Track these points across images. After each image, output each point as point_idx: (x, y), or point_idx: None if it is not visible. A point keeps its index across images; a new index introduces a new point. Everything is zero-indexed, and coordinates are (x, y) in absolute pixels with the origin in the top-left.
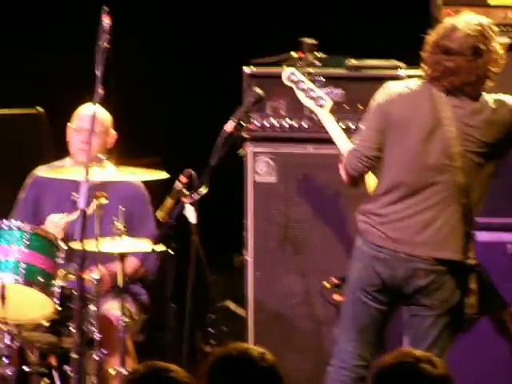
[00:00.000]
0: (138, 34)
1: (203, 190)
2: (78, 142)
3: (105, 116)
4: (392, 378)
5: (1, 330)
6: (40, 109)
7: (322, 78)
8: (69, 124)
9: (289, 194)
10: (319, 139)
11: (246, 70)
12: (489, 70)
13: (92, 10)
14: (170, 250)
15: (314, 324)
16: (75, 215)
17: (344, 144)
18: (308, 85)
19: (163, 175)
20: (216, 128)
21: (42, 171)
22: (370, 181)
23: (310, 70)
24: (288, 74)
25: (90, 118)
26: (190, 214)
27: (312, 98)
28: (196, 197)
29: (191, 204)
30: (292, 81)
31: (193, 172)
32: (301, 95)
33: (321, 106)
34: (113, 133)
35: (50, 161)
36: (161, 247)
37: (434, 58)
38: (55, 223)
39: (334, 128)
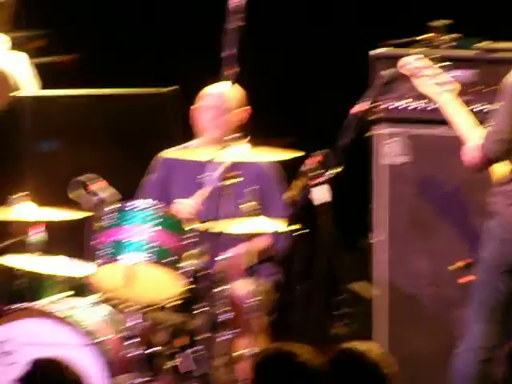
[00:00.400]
0: (270, 14)
1: (336, 170)
2: (205, 120)
3: (233, 94)
4: None
5: (130, 311)
6: (172, 88)
7: (448, 62)
8: (193, 106)
9: (420, 176)
10: None
11: (374, 52)
12: None
13: None
14: (300, 230)
15: (442, 305)
16: (202, 194)
17: (470, 128)
18: (432, 70)
19: (296, 154)
20: (345, 110)
21: (170, 152)
22: (495, 166)
23: (437, 53)
24: (407, 61)
25: (217, 95)
26: (319, 194)
27: (437, 83)
28: (330, 176)
29: (325, 183)
30: (414, 67)
31: (327, 152)
32: (422, 81)
33: (446, 91)
34: (245, 108)
35: (177, 141)
36: (291, 227)
37: None
38: (186, 206)
39: (459, 112)
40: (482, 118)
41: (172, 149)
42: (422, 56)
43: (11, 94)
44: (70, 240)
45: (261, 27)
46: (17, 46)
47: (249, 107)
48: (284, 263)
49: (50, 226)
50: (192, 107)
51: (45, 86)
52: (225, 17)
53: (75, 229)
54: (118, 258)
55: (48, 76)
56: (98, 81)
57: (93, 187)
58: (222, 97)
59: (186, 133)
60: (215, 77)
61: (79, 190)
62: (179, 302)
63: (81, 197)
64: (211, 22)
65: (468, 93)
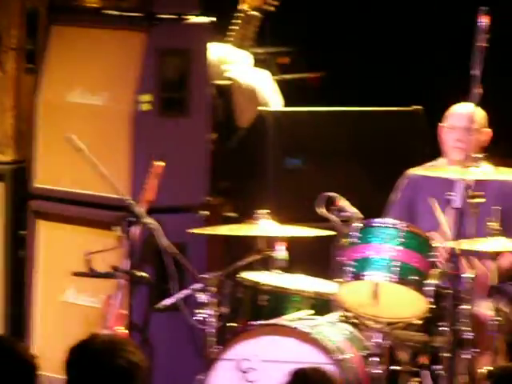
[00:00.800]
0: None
1: None
2: (452, 140)
3: (479, 114)
4: None
5: (372, 329)
6: (418, 107)
7: None
8: (441, 124)
9: None
10: None
11: None
12: None
13: (468, 9)
14: None
15: None
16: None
17: None
18: None
19: None
20: None
21: (417, 170)
22: None
23: None
24: None
25: (465, 116)
26: None
27: None
28: None
29: None
30: None
31: None
32: None
33: None
34: (487, 131)
35: (425, 160)
36: None
37: None
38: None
39: None
40: None
41: (418, 167)
42: None
43: (257, 109)
44: (312, 257)
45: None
46: (260, 62)
47: (490, 130)
48: None
49: (292, 244)
50: (439, 125)
51: (287, 104)
52: (470, 36)
53: (317, 246)
54: (363, 275)
55: (292, 93)
56: (342, 99)
57: (340, 203)
58: (469, 118)
59: (433, 151)
60: (461, 95)
61: (327, 205)
62: (422, 320)
63: (328, 212)
64: (456, 40)
65: None
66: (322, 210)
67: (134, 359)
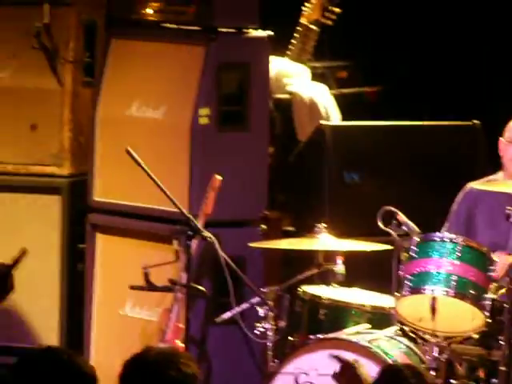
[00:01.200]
0: None
1: None
2: (511, 153)
3: None
4: None
5: (430, 342)
6: (476, 122)
7: None
8: (501, 138)
9: None
10: None
11: None
12: None
13: None
14: None
15: None
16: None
17: None
18: None
19: None
20: None
21: (476, 184)
22: None
23: None
24: None
25: None
26: None
27: None
28: None
29: None
30: None
31: None
32: None
33: None
34: None
35: (484, 175)
36: None
37: None
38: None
39: None
40: None
41: (477, 181)
42: None
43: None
44: (369, 271)
45: None
46: (318, 76)
47: None
48: None
49: (350, 257)
50: (500, 139)
51: (344, 118)
52: None
53: (374, 260)
54: (422, 289)
55: (349, 107)
56: (399, 113)
57: (399, 218)
58: None
59: (494, 164)
60: None
61: (386, 219)
62: (480, 334)
63: (387, 227)
64: None
65: None
66: (381, 225)
67: (188, 371)
